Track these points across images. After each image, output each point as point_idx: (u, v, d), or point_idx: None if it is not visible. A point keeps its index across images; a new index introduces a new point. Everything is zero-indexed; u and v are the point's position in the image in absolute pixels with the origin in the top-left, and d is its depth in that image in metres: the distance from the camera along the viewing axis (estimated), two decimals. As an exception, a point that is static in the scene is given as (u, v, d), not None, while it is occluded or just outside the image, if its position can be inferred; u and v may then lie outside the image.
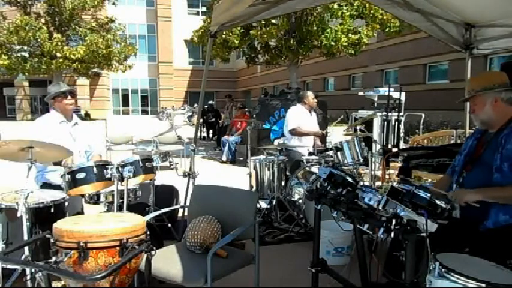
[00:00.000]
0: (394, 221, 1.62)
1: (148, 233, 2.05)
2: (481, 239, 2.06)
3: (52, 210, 2.51)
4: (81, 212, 3.07)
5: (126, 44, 20.10)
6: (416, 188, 1.70)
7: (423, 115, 9.33)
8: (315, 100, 5.44)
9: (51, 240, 1.91)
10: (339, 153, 4.30)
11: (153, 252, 1.90)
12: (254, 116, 9.54)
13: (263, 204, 4.64)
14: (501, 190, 2.07)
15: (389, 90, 6.46)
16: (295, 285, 2.91)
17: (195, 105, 22.32)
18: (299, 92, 8.87)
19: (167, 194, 4.18)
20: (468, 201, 2.06)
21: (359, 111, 9.37)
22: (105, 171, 2.78)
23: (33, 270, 2.24)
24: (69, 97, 3.43)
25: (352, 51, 11.40)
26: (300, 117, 5.26)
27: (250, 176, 4.96)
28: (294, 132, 5.16)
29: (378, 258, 2.15)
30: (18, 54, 18.37)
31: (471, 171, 2.27)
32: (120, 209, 2.79)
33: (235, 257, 2.47)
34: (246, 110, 11.25)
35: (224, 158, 9.50)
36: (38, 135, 3.15)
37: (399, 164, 4.67)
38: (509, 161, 2.07)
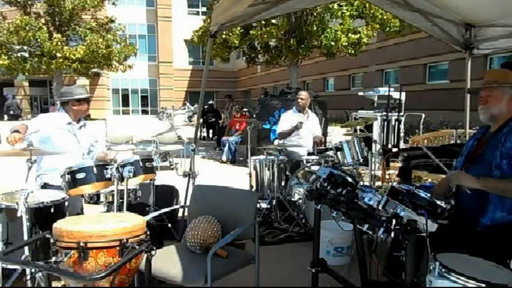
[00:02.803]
0: (394, 221, 1.62)
1: (148, 233, 2.05)
2: (479, 239, 2.06)
3: (52, 210, 2.51)
4: (81, 213, 3.07)
5: (126, 44, 20.07)
6: (416, 188, 1.70)
7: (423, 115, 9.33)
8: (304, 100, 5.34)
9: (51, 240, 1.91)
10: (339, 153, 4.31)
11: (153, 252, 1.90)
12: (254, 116, 9.54)
13: (263, 204, 4.64)
14: (501, 182, 2.08)
15: (389, 90, 6.48)
16: (295, 285, 2.91)
17: (195, 105, 22.35)
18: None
19: (167, 194, 4.17)
20: (464, 186, 2.09)
21: (359, 111, 9.37)
22: (105, 171, 2.78)
23: (33, 270, 2.24)
24: (84, 103, 3.46)
25: (352, 51, 11.39)
26: (288, 122, 5.26)
27: (250, 176, 4.96)
28: (281, 136, 5.19)
29: (378, 258, 2.15)
30: (18, 54, 18.35)
31: (470, 169, 2.27)
32: (120, 209, 2.79)
33: (235, 257, 2.47)
34: (245, 110, 11.26)
35: (224, 158, 9.50)
36: (34, 127, 3.15)
37: (399, 164, 4.67)
38: (508, 159, 2.08)
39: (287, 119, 5.32)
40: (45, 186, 3.24)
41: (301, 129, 5.22)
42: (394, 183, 1.85)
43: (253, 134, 7.31)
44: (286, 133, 5.19)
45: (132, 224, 1.99)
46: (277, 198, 4.54)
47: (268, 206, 4.58)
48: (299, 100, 5.35)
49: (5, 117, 19.20)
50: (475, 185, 2.07)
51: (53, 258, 1.88)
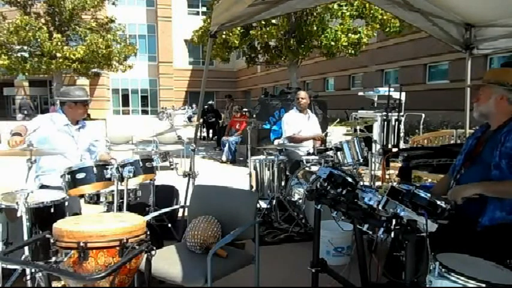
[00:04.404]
0: (394, 221, 1.62)
1: (148, 233, 2.05)
2: (479, 239, 2.06)
3: (52, 210, 2.51)
4: (79, 213, 3.07)
5: (126, 44, 20.12)
6: (416, 188, 1.70)
7: (423, 115, 9.33)
8: (305, 100, 5.33)
9: (51, 240, 1.91)
10: (339, 153, 4.31)
11: (153, 252, 1.90)
12: (254, 116, 9.54)
13: (263, 204, 4.64)
14: (500, 184, 2.07)
15: (389, 90, 6.46)
16: (295, 285, 2.91)
17: (193, 105, 22.36)
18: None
19: (167, 194, 4.18)
20: (466, 196, 2.05)
21: (359, 111, 9.36)
22: (105, 171, 2.78)
23: (33, 270, 2.24)
24: (80, 106, 3.43)
25: (352, 51, 11.39)
26: (295, 123, 5.24)
27: (250, 176, 4.96)
28: (292, 140, 5.17)
29: (378, 258, 2.15)
30: (18, 54, 18.38)
31: (469, 168, 2.27)
32: (120, 209, 2.79)
33: (235, 257, 2.47)
34: (245, 110, 11.27)
35: (224, 158, 9.50)
36: (33, 127, 3.16)
37: (399, 164, 4.67)
38: (507, 159, 2.07)
39: (293, 121, 5.28)
40: (42, 187, 3.23)
41: (303, 129, 5.22)
42: (394, 183, 1.85)
43: (253, 134, 7.31)
44: (301, 139, 5.18)
45: (132, 224, 1.99)
46: (277, 198, 4.54)
47: (268, 206, 4.58)
48: (300, 100, 5.33)
49: (19, 116, 19.94)
50: (475, 190, 2.06)
51: (53, 258, 1.87)
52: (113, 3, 20.86)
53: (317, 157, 4.58)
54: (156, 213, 3.09)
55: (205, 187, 2.93)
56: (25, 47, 18.33)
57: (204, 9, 29.36)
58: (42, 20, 18.67)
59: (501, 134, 2.16)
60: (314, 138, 5.24)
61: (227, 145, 9.54)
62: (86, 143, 3.53)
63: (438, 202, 1.66)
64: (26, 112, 20.37)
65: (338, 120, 6.11)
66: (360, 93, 12.58)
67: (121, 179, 2.77)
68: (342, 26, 10.88)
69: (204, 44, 13.05)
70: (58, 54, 17.82)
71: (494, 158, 2.12)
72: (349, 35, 10.96)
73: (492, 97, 2.22)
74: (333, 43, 10.84)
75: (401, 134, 7.85)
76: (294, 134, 5.18)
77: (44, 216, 2.45)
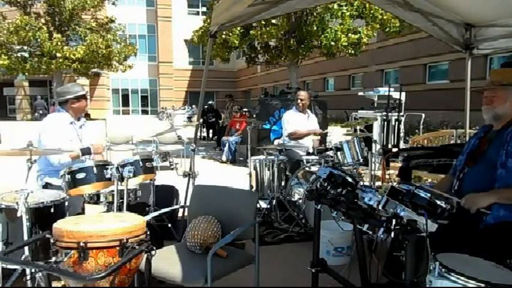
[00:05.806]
0: (394, 221, 1.62)
1: (148, 233, 2.05)
2: (481, 237, 2.06)
3: (52, 210, 2.51)
4: (82, 212, 3.07)
5: (126, 44, 20.10)
6: (416, 188, 1.70)
7: (423, 115, 9.33)
8: (304, 101, 5.37)
9: (51, 240, 1.91)
10: (339, 153, 4.31)
11: (153, 252, 1.90)
12: (254, 116, 9.54)
13: (263, 204, 4.64)
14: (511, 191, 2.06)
15: (389, 90, 6.46)
16: (295, 285, 2.91)
17: (193, 106, 22.37)
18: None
19: (167, 194, 4.17)
20: (481, 207, 2.05)
21: (359, 111, 9.36)
22: (105, 171, 2.79)
23: (33, 270, 2.24)
24: (82, 100, 3.47)
25: (352, 51, 11.39)
26: (294, 121, 5.28)
27: (250, 176, 4.96)
28: (293, 137, 5.19)
29: (377, 258, 2.14)
30: (18, 54, 18.36)
31: (473, 167, 2.28)
32: (120, 209, 2.79)
33: (235, 257, 2.47)
34: (245, 110, 11.27)
35: (224, 158, 9.50)
36: (53, 137, 3.20)
37: (399, 164, 4.67)
38: None
39: (293, 119, 5.32)
40: (46, 186, 3.24)
41: (302, 128, 5.23)
42: (394, 183, 1.85)
43: (253, 134, 7.31)
44: (303, 134, 5.21)
45: (132, 224, 1.99)
46: (277, 198, 4.54)
47: (268, 206, 4.58)
48: (298, 101, 5.36)
49: (35, 115, 21.06)
50: (490, 200, 2.06)
51: (53, 258, 1.87)
52: (113, 3, 20.84)
53: (317, 157, 4.58)
54: (156, 213, 3.09)
55: (205, 187, 2.93)
56: (25, 47, 18.30)
57: (204, 9, 29.35)
58: (42, 20, 18.64)
59: (506, 134, 2.16)
60: (315, 133, 5.26)
61: (227, 145, 9.54)
62: (88, 140, 3.54)
63: (438, 202, 1.66)
64: (41, 112, 20.97)
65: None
66: (360, 93, 12.58)
67: (121, 179, 2.78)
68: (342, 26, 10.87)
69: (204, 44, 13.05)
70: (58, 54, 17.80)
71: (500, 157, 2.13)
72: (349, 35, 10.95)
73: (509, 99, 2.21)
74: (333, 43, 10.83)
75: (401, 134, 7.85)
76: (294, 131, 5.19)
77: (44, 216, 2.45)
